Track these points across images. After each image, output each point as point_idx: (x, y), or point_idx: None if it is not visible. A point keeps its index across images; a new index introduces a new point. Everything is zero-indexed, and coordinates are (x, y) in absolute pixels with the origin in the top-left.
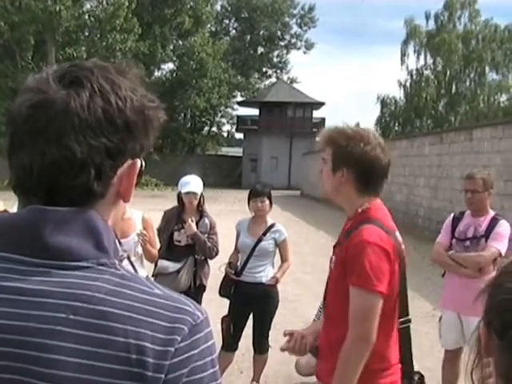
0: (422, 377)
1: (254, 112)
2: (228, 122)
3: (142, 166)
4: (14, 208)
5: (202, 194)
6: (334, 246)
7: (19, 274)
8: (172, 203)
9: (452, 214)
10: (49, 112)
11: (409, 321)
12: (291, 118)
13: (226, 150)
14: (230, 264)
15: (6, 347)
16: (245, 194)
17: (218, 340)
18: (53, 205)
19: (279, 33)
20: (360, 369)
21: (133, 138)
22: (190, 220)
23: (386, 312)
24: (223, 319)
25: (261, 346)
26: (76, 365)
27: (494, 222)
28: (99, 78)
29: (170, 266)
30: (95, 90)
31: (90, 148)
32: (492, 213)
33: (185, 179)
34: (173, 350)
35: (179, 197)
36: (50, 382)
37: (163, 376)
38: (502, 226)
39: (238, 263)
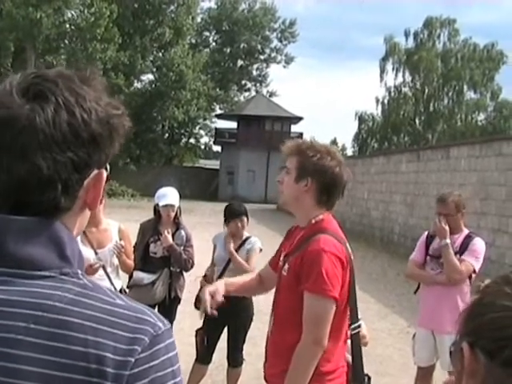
0: (369, 379)
1: (232, 125)
2: (206, 135)
3: (107, 173)
4: None
5: (179, 206)
6: (286, 255)
7: None
8: (148, 214)
9: (426, 232)
10: (13, 128)
11: (359, 326)
12: (269, 131)
13: (203, 163)
14: (205, 277)
15: None
16: (221, 206)
17: (192, 352)
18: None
19: (259, 46)
20: (311, 372)
21: (98, 150)
22: (166, 232)
23: (336, 317)
24: (197, 332)
25: (235, 359)
26: (35, 374)
27: (468, 240)
28: (63, 90)
29: (146, 277)
30: (60, 104)
31: (57, 164)
32: (466, 231)
33: (162, 191)
34: (133, 360)
35: (155, 209)
36: None
37: None
38: (477, 244)
39: (214, 276)
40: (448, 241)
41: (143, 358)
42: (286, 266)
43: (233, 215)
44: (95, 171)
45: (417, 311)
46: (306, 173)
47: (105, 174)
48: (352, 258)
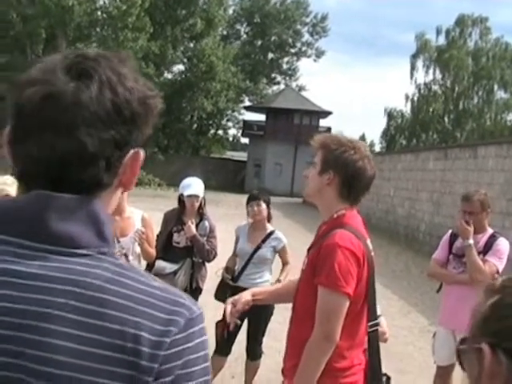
0: (388, 378)
1: (261, 117)
2: (234, 127)
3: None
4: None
5: (203, 196)
6: (308, 249)
7: (19, 257)
8: (174, 204)
9: (450, 231)
10: (59, 104)
11: (377, 324)
12: (297, 125)
13: (230, 154)
14: (227, 269)
15: (5, 330)
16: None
17: (211, 343)
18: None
19: (290, 40)
20: (321, 367)
21: (137, 128)
22: (189, 222)
23: (352, 314)
24: (218, 324)
25: (254, 352)
26: (72, 350)
27: (492, 239)
28: (106, 69)
29: (168, 266)
30: (103, 82)
31: (101, 141)
32: (490, 230)
33: (186, 181)
34: (168, 341)
35: (180, 198)
36: (45, 366)
37: (157, 366)
38: (502, 244)
39: (236, 267)
40: (471, 241)
41: (178, 340)
42: (305, 260)
43: (250, 199)
44: (132, 150)
45: (439, 310)
46: (329, 166)
47: (142, 153)
48: (372, 254)
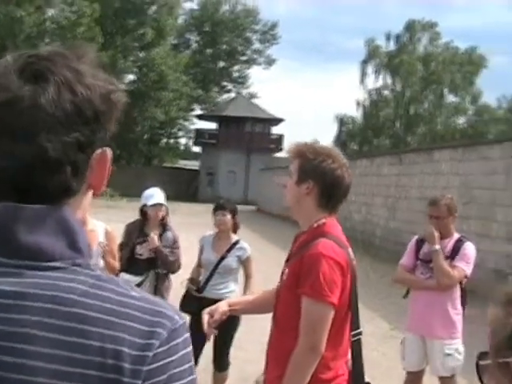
0: None
1: (213, 126)
2: (185, 136)
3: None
4: None
5: (166, 206)
6: (287, 260)
7: None
8: (127, 215)
9: (416, 236)
10: (15, 111)
11: (360, 333)
12: (249, 133)
13: (183, 163)
14: (191, 279)
15: None
16: (201, 207)
17: None
18: (26, 203)
19: (240, 48)
20: (308, 378)
21: (101, 127)
22: (152, 233)
23: (336, 323)
24: None
25: (221, 363)
26: (50, 371)
27: (459, 244)
28: (62, 68)
29: (131, 279)
30: (61, 83)
31: (63, 145)
32: (457, 235)
33: (149, 192)
34: (151, 355)
35: (142, 210)
36: None
37: (140, 382)
38: (468, 248)
39: (200, 278)
40: (438, 247)
41: (161, 353)
42: (286, 270)
43: (216, 209)
44: (99, 150)
45: (401, 315)
46: (307, 175)
47: (109, 152)
48: (354, 263)
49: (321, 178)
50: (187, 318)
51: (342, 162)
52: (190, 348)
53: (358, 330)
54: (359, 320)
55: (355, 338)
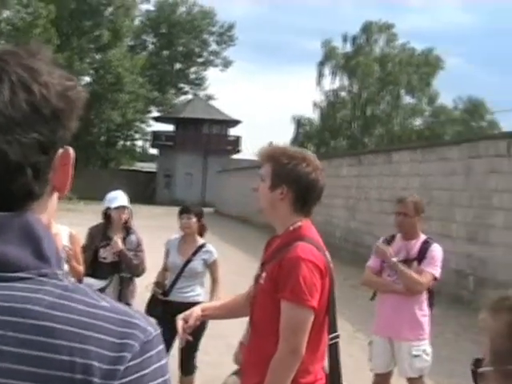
0: None
1: (170, 128)
2: (141, 138)
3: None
4: None
5: (130, 209)
6: (263, 264)
7: None
8: (86, 217)
9: (382, 238)
10: None
11: (337, 337)
12: (207, 134)
13: (140, 166)
14: (157, 283)
15: None
16: (159, 209)
17: None
18: None
19: (197, 49)
20: (289, 382)
21: (61, 126)
22: (115, 237)
23: (315, 327)
24: None
25: (188, 367)
26: None
27: (426, 246)
28: (15, 67)
29: (95, 283)
30: (15, 82)
31: (22, 146)
32: (423, 236)
33: (112, 194)
34: (122, 368)
35: (105, 213)
36: None
37: None
38: (435, 250)
39: (166, 282)
40: (394, 259)
41: (133, 366)
42: (264, 275)
43: (181, 212)
44: (61, 150)
45: (363, 316)
46: (281, 180)
47: (71, 151)
48: (332, 266)
49: (295, 182)
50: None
51: (316, 165)
52: (165, 361)
53: (336, 334)
54: (337, 323)
55: (332, 342)
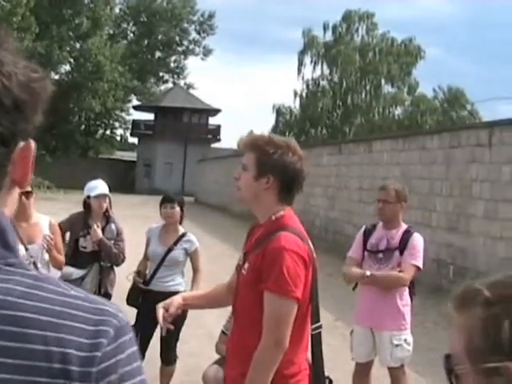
0: (331, 381)
1: (150, 117)
2: (121, 127)
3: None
4: None
5: (109, 197)
6: (245, 253)
7: None
8: (65, 207)
9: (363, 227)
10: None
11: (320, 327)
12: (187, 123)
13: (119, 155)
14: (138, 272)
15: None
16: (138, 198)
17: None
18: None
19: (177, 38)
20: (272, 374)
21: (23, 118)
22: (95, 225)
23: (298, 318)
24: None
25: (168, 357)
26: None
27: (407, 235)
28: None
29: (74, 272)
30: None
31: None
32: (404, 226)
33: (92, 183)
34: (99, 354)
35: (85, 202)
36: None
37: None
38: (416, 240)
39: (147, 271)
40: (368, 273)
41: (110, 352)
42: (246, 265)
43: (164, 201)
44: (22, 143)
45: (343, 305)
46: (267, 170)
47: (33, 145)
48: (315, 255)
49: (281, 172)
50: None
51: (300, 154)
52: (136, 347)
53: (319, 324)
54: (319, 313)
55: (315, 332)
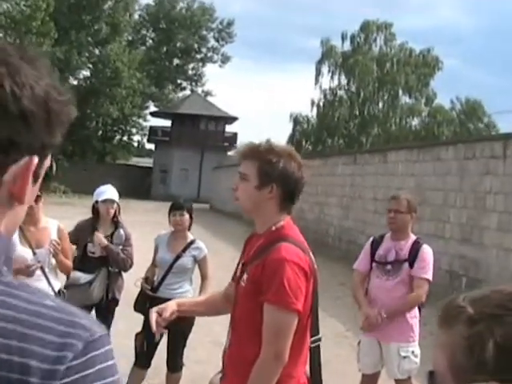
0: None
1: (167, 123)
2: (138, 133)
3: (50, 165)
4: None
5: (118, 203)
6: (244, 264)
7: None
8: (80, 211)
9: (371, 238)
10: None
11: (319, 339)
12: (203, 131)
13: (136, 160)
14: (146, 279)
15: None
16: (153, 204)
17: (129, 355)
18: None
19: (196, 45)
20: None
21: (30, 131)
22: (97, 233)
23: (298, 331)
24: (137, 336)
25: (175, 364)
26: None
27: (416, 246)
28: None
29: (82, 276)
30: None
31: None
32: (413, 237)
33: (101, 189)
34: (62, 368)
35: (94, 207)
36: None
37: None
38: (426, 252)
39: (155, 278)
40: (383, 314)
41: (76, 366)
42: (245, 276)
43: (174, 208)
44: (26, 158)
45: (354, 315)
46: (270, 179)
47: (35, 161)
48: (315, 266)
49: (284, 180)
50: (107, 330)
51: (299, 161)
52: (112, 362)
53: (318, 336)
54: (319, 325)
55: (314, 344)
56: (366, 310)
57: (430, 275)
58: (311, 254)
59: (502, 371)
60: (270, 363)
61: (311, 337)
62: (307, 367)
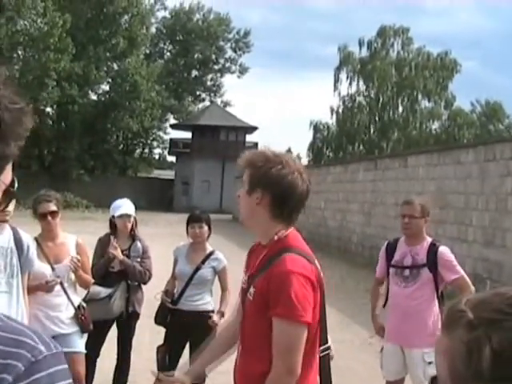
0: None
1: (187, 135)
2: (159, 146)
3: (12, 180)
4: None
5: (134, 217)
6: (249, 276)
7: None
8: (103, 226)
9: (385, 243)
10: None
11: (328, 348)
12: (224, 141)
13: (157, 173)
14: (166, 292)
15: None
16: (176, 217)
17: (152, 368)
18: None
19: (213, 56)
20: None
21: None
22: (110, 248)
23: (308, 342)
24: (159, 349)
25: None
26: None
27: (433, 249)
28: None
29: (102, 291)
30: None
31: None
32: (429, 239)
33: (117, 203)
34: None
35: (111, 222)
36: None
37: None
38: (445, 254)
39: (175, 290)
40: (376, 312)
41: None
42: (252, 290)
43: (192, 221)
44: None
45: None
46: (257, 184)
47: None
48: (322, 276)
49: (270, 185)
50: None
51: (294, 168)
52: (64, 383)
53: (327, 345)
54: (327, 335)
55: (323, 354)
56: (373, 322)
57: (460, 270)
58: (317, 262)
59: (498, 379)
60: (283, 378)
61: (320, 346)
62: (318, 377)
